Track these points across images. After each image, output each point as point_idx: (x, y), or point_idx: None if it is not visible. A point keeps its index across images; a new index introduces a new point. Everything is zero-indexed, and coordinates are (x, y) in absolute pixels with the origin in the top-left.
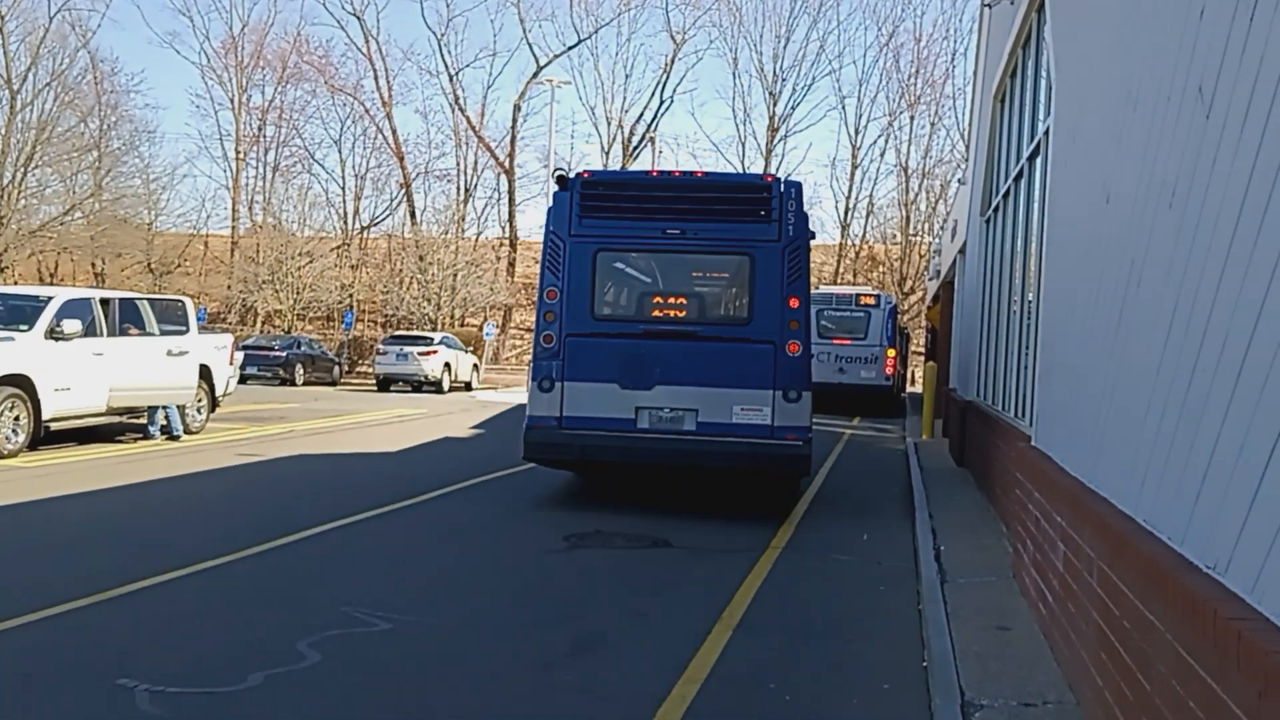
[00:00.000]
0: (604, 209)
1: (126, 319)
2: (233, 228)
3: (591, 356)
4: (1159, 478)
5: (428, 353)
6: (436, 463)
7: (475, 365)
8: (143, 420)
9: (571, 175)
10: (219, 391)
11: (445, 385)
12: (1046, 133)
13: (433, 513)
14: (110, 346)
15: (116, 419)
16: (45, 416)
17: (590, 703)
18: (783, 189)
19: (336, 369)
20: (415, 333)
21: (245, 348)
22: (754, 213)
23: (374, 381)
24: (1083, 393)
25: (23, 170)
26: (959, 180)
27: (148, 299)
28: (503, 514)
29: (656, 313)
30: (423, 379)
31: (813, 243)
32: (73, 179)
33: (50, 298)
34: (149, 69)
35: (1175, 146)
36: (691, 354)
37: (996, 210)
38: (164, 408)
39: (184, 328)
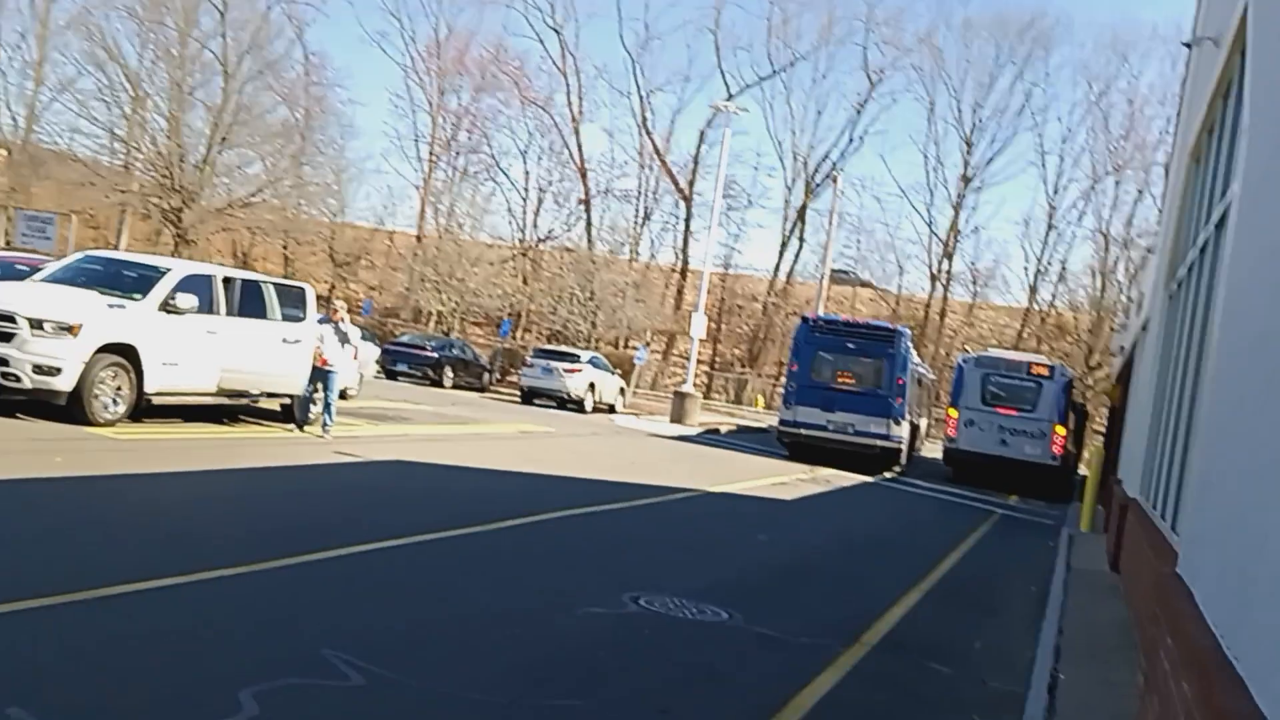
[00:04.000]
0: (820, 332)
1: (248, 300)
2: (419, 227)
3: (809, 395)
4: None
5: (572, 370)
6: (534, 487)
7: (622, 388)
8: (264, 405)
9: (810, 318)
10: (342, 385)
11: (588, 405)
12: (1234, 201)
13: (494, 545)
14: (226, 326)
15: (244, 402)
16: (148, 390)
17: None
18: (900, 333)
19: (486, 375)
20: (563, 349)
21: (397, 344)
22: (887, 340)
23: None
24: (1239, 517)
25: (218, 149)
26: (1147, 249)
27: (273, 282)
28: (572, 557)
29: (838, 379)
30: (566, 396)
31: (998, 303)
32: (273, 165)
33: (169, 269)
34: (352, 65)
35: None
36: (853, 398)
37: (1181, 285)
38: (325, 396)
39: (301, 315)
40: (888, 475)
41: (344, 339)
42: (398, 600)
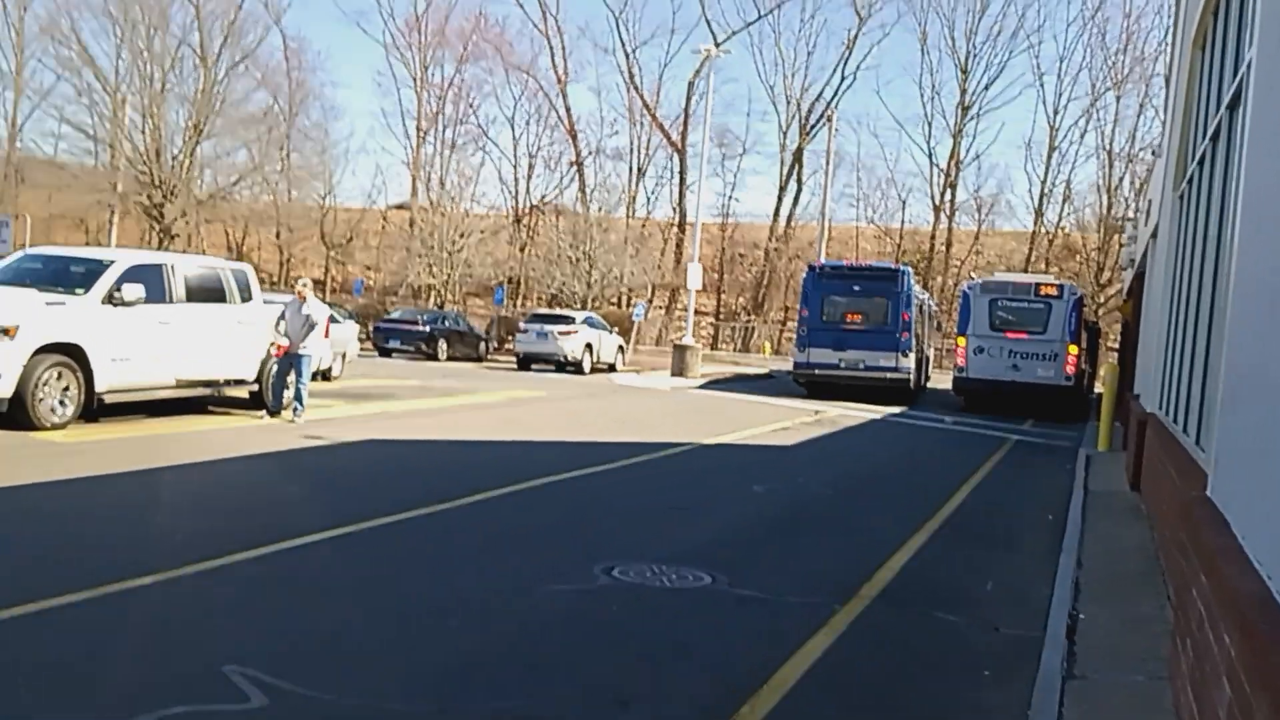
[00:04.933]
0: (827, 277)
1: (201, 286)
2: (412, 204)
3: (820, 337)
4: None
5: (568, 332)
6: (513, 455)
7: (621, 347)
8: (234, 393)
9: (816, 265)
10: (316, 366)
11: (586, 366)
12: (1250, 66)
13: (455, 525)
14: (179, 314)
15: (209, 393)
16: (99, 389)
17: None
18: (903, 271)
19: (483, 345)
20: (557, 311)
21: (388, 321)
22: (891, 280)
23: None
24: (1277, 429)
25: (198, 141)
26: (1153, 152)
27: (228, 266)
28: (542, 530)
29: (847, 319)
30: (563, 359)
31: (1004, 229)
32: (261, 153)
33: (113, 261)
34: (332, 47)
35: None
36: (862, 336)
37: (1191, 182)
38: (296, 381)
39: (248, 297)
40: (895, 411)
41: (308, 320)
42: (330, 599)
